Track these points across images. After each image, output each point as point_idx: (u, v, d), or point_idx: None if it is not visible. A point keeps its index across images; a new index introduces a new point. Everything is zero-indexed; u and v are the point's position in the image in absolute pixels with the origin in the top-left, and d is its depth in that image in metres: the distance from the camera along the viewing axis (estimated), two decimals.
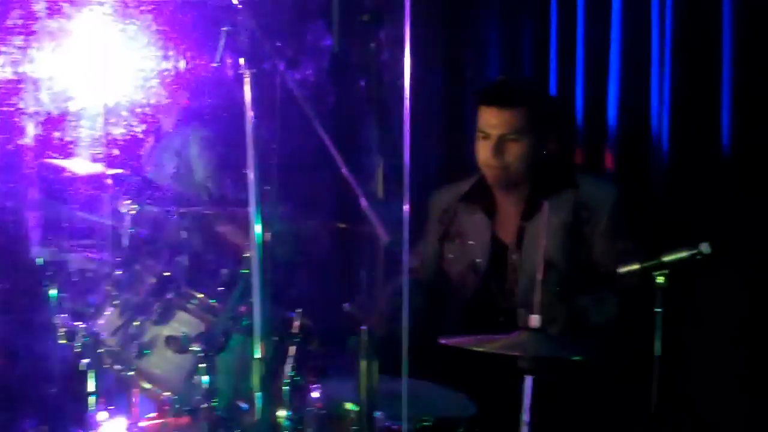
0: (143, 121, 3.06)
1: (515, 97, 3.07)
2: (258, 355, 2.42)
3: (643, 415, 2.58)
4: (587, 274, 3.04)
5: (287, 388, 2.72)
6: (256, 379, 2.43)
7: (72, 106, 3.02)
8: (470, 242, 3.19)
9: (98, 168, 3.02)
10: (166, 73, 3.03)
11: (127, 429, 2.86)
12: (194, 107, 3.16)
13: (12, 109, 3.04)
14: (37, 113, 3.02)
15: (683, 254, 2.54)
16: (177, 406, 2.81)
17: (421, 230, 3.28)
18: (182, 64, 3.02)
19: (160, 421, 2.89)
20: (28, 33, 2.94)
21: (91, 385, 2.85)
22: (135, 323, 2.86)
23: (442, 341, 2.61)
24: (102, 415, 2.86)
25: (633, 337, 2.79)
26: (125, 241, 2.95)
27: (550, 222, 3.00)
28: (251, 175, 2.38)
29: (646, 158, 3.44)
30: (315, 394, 2.68)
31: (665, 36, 3.35)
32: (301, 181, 3.15)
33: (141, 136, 3.09)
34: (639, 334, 2.63)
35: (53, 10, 2.92)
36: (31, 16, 2.93)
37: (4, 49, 2.96)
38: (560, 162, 3.22)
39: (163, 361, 2.84)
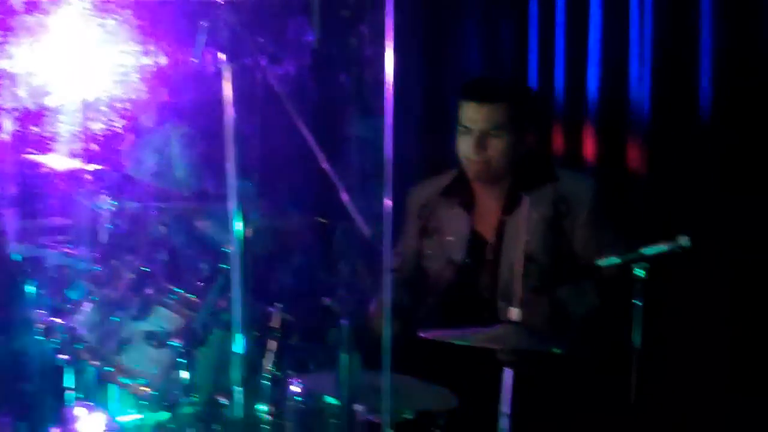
0: (122, 117, 3.05)
1: (497, 93, 3.09)
2: (238, 350, 2.42)
3: (623, 407, 2.61)
4: (567, 268, 3.07)
5: (267, 382, 2.73)
6: (236, 374, 2.43)
7: (50, 102, 3.00)
8: (449, 238, 3.20)
9: (76, 164, 3.01)
10: (145, 69, 3.02)
11: (106, 425, 2.86)
12: (174, 103, 3.14)
13: None
14: (15, 109, 3.00)
15: (663, 247, 2.57)
16: (156, 401, 2.81)
17: (401, 227, 3.29)
18: (162, 60, 3.01)
19: (139, 416, 2.88)
20: (6, 28, 2.92)
21: (69, 381, 2.85)
22: (114, 319, 2.86)
23: (423, 335, 2.63)
24: (80, 411, 2.85)
25: (613, 329, 2.82)
26: (103, 237, 2.95)
27: (531, 216, 3.03)
28: (231, 171, 2.38)
29: (624, 142, 3.48)
30: (295, 389, 2.68)
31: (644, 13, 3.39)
32: (282, 176, 3.16)
33: (120, 131, 3.08)
34: (618, 327, 2.66)
35: (31, 5, 2.90)
36: (9, 12, 2.91)
37: None
38: (540, 156, 3.25)
39: (142, 357, 2.83)
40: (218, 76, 2.37)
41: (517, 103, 3.10)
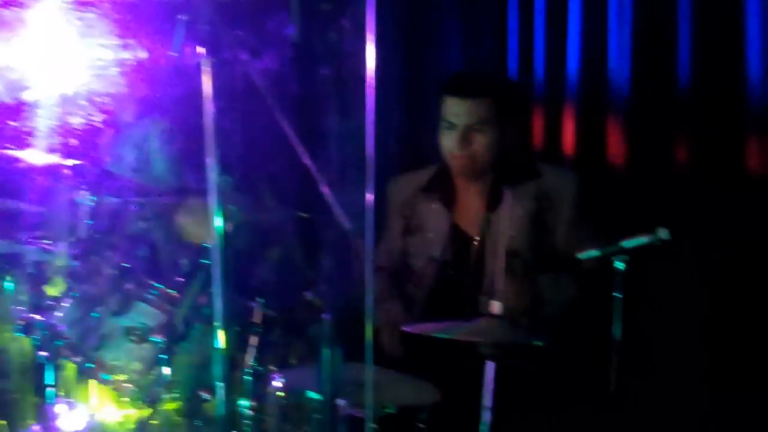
0: (101, 112, 3.03)
1: (480, 87, 3.09)
2: (219, 345, 2.41)
3: (603, 399, 2.62)
4: (550, 262, 3.08)
5: (249, 378, 2.72)
6: (217, 370, 2.42)
7: (29, 96, 2.98)
8: (430, 234, 3.20)
9: (55, 159, 2.99)
10: (124, 63, 3.00)
11: (87, 422, 2.84)
12: (154, 97, 3.13)
13: None
14: None
15: (642, 240, 2.58)
16: (137, 397, 2.80)
17: (384, 224, 3.28)
18: (141, 54, 3.00)
19: (120, 412, 2.87)
20: None
21: (49, 378, 2.83)
22: (94, 315, 2.85)
23: (406, 329, 2.63)
24: (61, 408, 2.84)
25: (593, 321, 2.83)
26: (82, 233, 2.93)
27: (514, 211, 3.04)
28: (211, 165, 2.37)
29: (605, 126, 3.50)
30: (277, 384, 2.68)
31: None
32: (263, 170, 3.15)
33: (99, 126, 3.06)
34: (599, 319, 2.67)
35: None
36: None
37: None
38: (522, 152, 3.26)
39: (122, 353, 2.82)
40: (198, 70, 2.36)
41: (501, 98, 3.10)
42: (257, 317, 2.78)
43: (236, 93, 2.45)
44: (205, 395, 2.78)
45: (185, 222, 3.02)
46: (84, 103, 3.00)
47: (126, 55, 3.00)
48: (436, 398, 2.63)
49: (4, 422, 2.96)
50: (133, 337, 2.80)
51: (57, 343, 2.84)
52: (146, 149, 3.27)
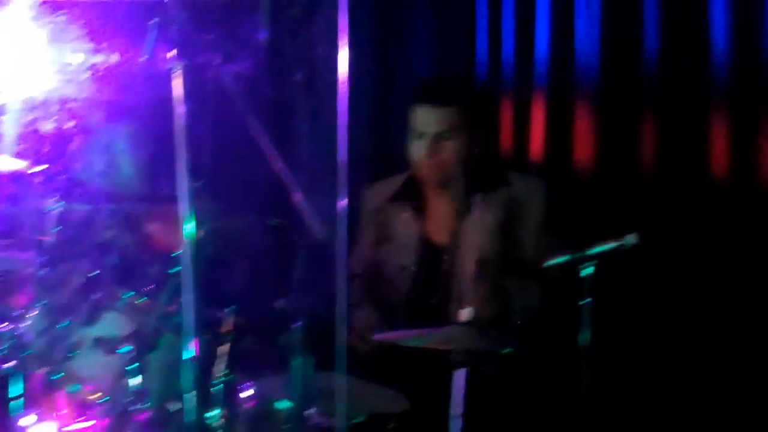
0: (71, 117, 3.00)
1: (450, 96, 3.10)
2: (189, 354, 2.38)
3: (572, 405, 2.62)
4: (519, 269, 3.08)
5: (219, 386, 2.70)
6: (187, 379, 2.40)
7: None
8: (401, 242, 3.20)
9: (23, 165, 2.96)
10: (95, 67, 2.98)
11: None
12: (124, 102, 3.10)
13: None
14: None
15: (610, 246, 2.58)
16: (107, 407, 2.77)
17: (357, 232, 3.28)
18: (112, 58, 2.97)
19: (90, 423, 2.83)
20: None
21: (16, 390, 2.79)
22: (62, 324, 2.81)
23: (376, 337, 2.62)
24: (28, 419, 2.80)
25: (561, 328, 2.83)
26: (50, 241, 2.90)
27: (483, 219, 3.04)
28: (181, 171, 2.35)
29: (573, 115, 3.51)
30: (247, 393, 2.65)
31: None
32: (234, 176, 3.13)
33: (69, 131, 3.03)
34: (567, 326, 2.67)
35: None
36: None
37: None
38: (491, 160, 3.27)
39: (91, 363, 2.79)
40: (169, 74, 2.35)
41: (470, 106, 3.12)
42: (227, 326, 2.76)
43: (208, 97, 2.44)
44: (174, 405, 2.74)
45: (155, 229, 3.00)
46: (53, 108, 2.98)
47: (97, 59, 2.97)
48: (405, 406, 2.62)
49: None
50: (102, 347, 2.77)
51: (24, 353, 2.80)
52: (116, 155, 3.25)
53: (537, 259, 2.97)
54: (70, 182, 2.96)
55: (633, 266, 2.90)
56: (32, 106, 2.96)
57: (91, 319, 2.83)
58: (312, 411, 2.47)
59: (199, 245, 2.38)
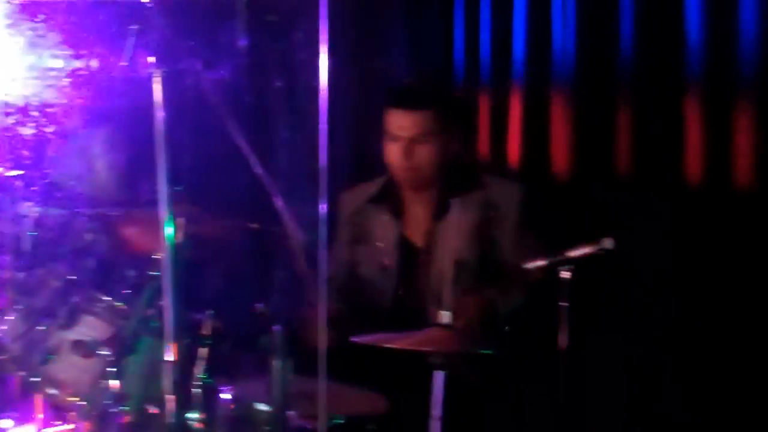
0: (50, 122, 3.00)
1: (424, 99, 3.12)
2: (168, 357, 2.39)
3: (551, 408, 2.64)
4: (497, 271, 3.11)
5: (198, 390, 2.70)
6: (166, 382, 2.41)
7: None
8: (379, 244, 3.22)
9: (0, 169, 2.95)
10: (75, 72, 2.98)
11: None
12: (104, 107, 3.10)
13: None
14: None
15: (587, 250, 2.61)
16: (85, 411, 2.76)
17: (334, 235, 3.29)
18: (92, 63, 2.97)
19: (68, 427, 2.83)
20: None
21: None
22: (40, 328, 2.81)
23: (355, 340, 2.64)
24: (6, 423, 2.80)
25: (539, 330, 2.85)
26: (26, 245, 2.89)
27: (460, 222, 3.07)
28: (161, 176, 2.36)
29: (548, 114, 3.55)
30: (226, 396, 2.66)
31: None
32: (214, 181, 3.14)
33: (48, 136, 3.03)
34: (545, 328, 2.70)
35: None
36: None
37: None
38: (467, 162, 3.30)
39: (69, 366, 2.79)
40: (149, 80, 2.35)
41: (444, 109, 3.14)
42: (207, 329, 2.77)
43: (188, 103, 2.44)
44: (154, 408, 2.75)
45: (134, 233, 3.00)
46: (33, 112, 2.97)
47: (77, 64, 2.97)
48: (384, 408, 2.63)
49: None
50: (80, 351, 2.77)
51: (0, 356, 2.80)
52: (95, 160, 3.25)
53: (515, 262, 3.00)
54: (49, 186, 2.96)
55: (610, 269, 2.93)
56: (11, 111, 2.95)
57: (69, 323, 2.82)
58: (291, 413, 2.48)
59: (178, 249, 2.39)
